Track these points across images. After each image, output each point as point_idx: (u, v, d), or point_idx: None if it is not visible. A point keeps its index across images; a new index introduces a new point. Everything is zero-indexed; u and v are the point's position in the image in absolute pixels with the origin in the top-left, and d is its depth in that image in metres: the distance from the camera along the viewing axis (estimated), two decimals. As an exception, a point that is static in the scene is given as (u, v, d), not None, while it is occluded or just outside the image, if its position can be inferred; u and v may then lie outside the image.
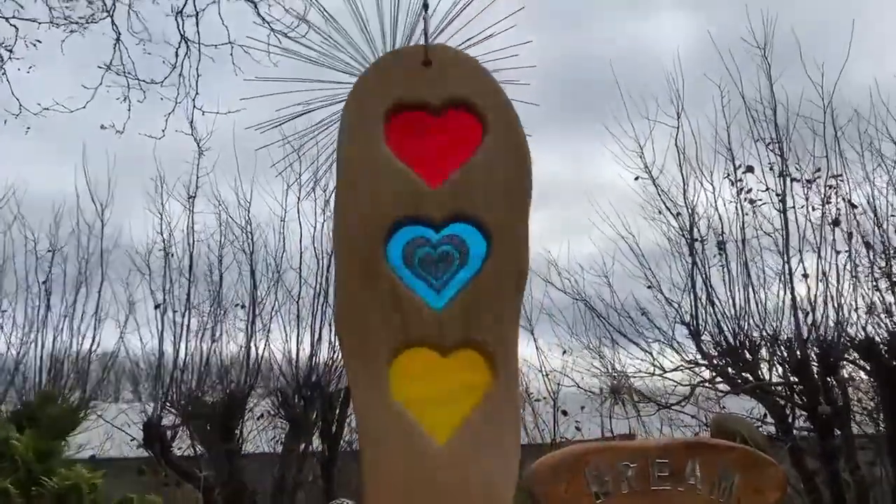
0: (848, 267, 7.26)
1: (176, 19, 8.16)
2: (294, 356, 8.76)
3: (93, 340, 8.98)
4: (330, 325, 8.69)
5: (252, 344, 8.80)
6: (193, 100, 8.26)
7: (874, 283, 7.24)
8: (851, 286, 7.21)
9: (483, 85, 2.08)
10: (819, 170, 7.28)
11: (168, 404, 8.63)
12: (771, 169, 7.42)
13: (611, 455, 4.01)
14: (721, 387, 7.91)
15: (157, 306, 8.68)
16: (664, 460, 3.89)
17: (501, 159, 2.00)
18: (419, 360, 1.84)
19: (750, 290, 7.53)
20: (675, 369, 7.81)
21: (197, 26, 8.18)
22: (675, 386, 7.91)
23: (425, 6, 2.28)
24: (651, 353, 7.88)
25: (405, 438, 1.68)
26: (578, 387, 8.20)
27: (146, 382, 9.44)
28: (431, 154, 2.01)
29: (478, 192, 1.94)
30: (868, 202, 7.25)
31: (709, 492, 3.84)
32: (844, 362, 7.46)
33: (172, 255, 8.80)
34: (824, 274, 7.23)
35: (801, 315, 7.14)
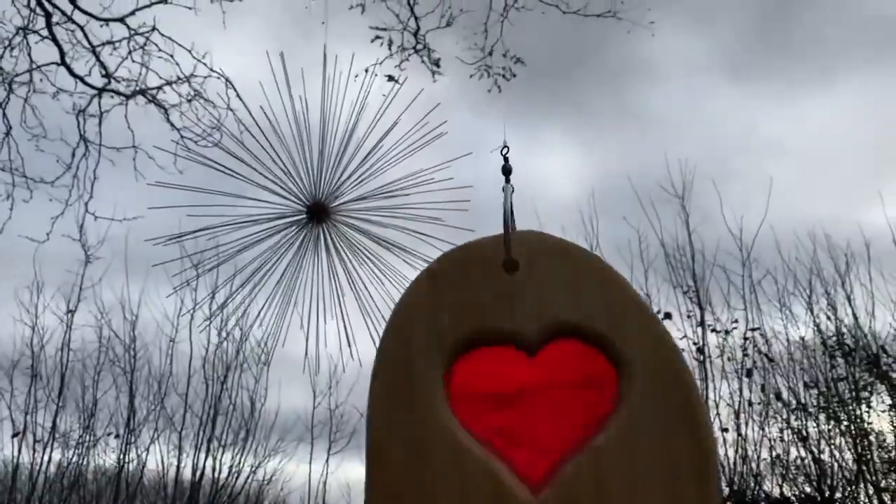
0: (759, 420, 7.15)
1: (77, 118, 7.65)
2: (171, 491, 7.84)
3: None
4: (214, 458, 7.87)
5: (122, 477, 7.82)
6: (86, 204, 7.64)
7: (787, 438, 7.15)
8: (766, 440, 7.08)
9: (617, 300, 1.23)
10: (736, 321, 7.27)
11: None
12: (689, 317, 7.36)
13: None
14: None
15: (14, 435, 7.63)
16: None
17: (651, 432, 1.13)
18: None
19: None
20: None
21: (99, 127, 7.69)
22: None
23: (507, 171, 1.36)
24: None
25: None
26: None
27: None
28: (529, 425, 1.17)
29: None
30: (781, 357, 7.25)
31: None
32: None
33: (41, 376, 7.84)
34: (739, 427, 7.08)
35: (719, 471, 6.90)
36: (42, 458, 7.63)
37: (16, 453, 7.62)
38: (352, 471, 8.73)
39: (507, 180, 1.33)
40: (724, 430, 7.00)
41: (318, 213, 3.18)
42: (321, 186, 3.14)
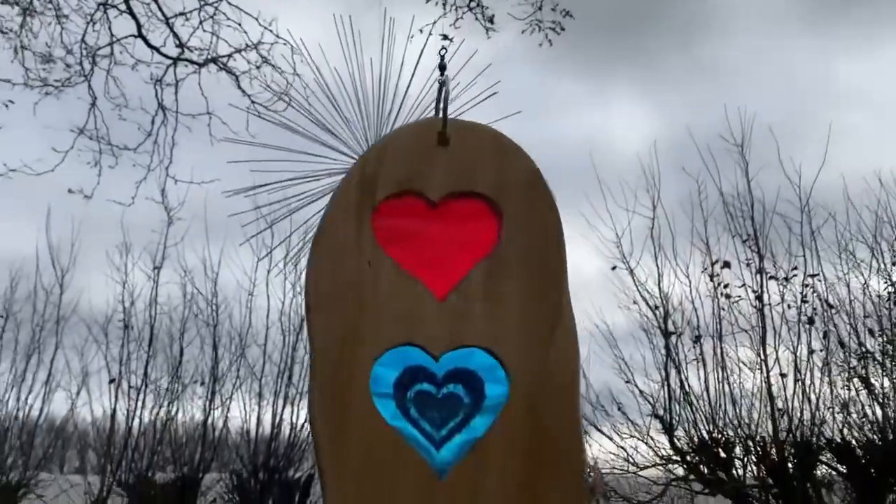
0: (822, 366, 7.17)
1: (155, 87, 8.07)
2: (253, 437, 8.36)
3: (41, 411, 8.50)
4: (293, 405, 8.34)
5: (209, 422, 8.38)
6: (167, 168, 8.11)
7: (849, 384, 7.15)
8: (827, 386, 7.10)
9: (502, 167, 1.70)
10: (795, 268, 7.25)
11: (116, 483, 8.13)
12: (748, 265, 7.38)
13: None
14: (695, 486, 7.65)
15: (111, 381, 8.26)
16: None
17: (523, 253, 1.59)
18: None
19: (725, 385, 7.38)
20: (648, 466, 7.55)
21: (176, 95, 8.10)
22: (651, 485, 7.64)
23: (442, 67, 1.90)
24: (625, 450, 7.63)
25: None
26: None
27: (95, 458, 8.91)
28: (435, 252, 1.61)
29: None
30: (842, 303, 7.22)
31: None
32: (820, 464, 7.28)
33: (132, 327, 8.43)
34: (800, 372, 7.12)
35: (776, 414, 6.98)
36: (136, 404, 8.27)
37: (113, 399, 8.29)
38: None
39: (442, 73, 1.86)
40: (783, 375, 7.06)
41: None
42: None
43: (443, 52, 1.83)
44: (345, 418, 1.36)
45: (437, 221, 1.68)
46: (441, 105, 1.71)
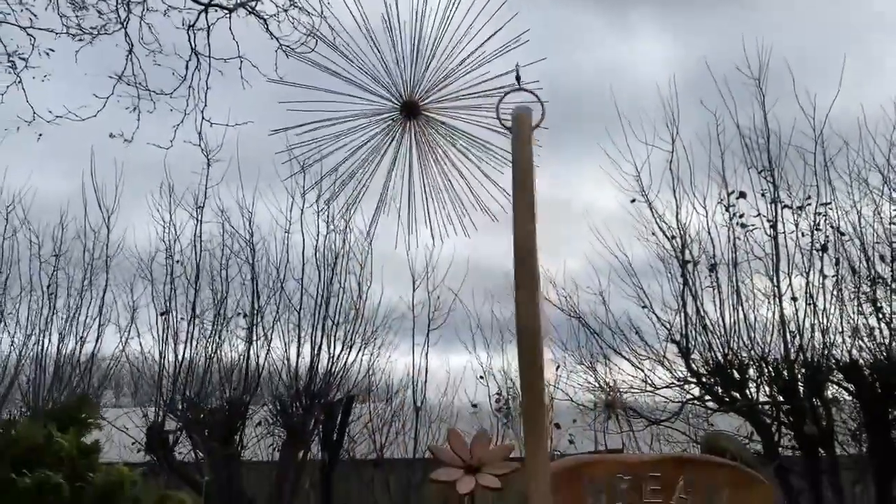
0: (834, 291, 7.42)
1: (187, 32, 8.28)
2: (293, 365, 8.84)
3: (95, 344, 9.06)
4: (330, 335, 8.79)
5: (252, 352, 8.87)
6: (202, 111, 8.38)
7: (859, 308, 7.40)
8: (837, 310, 7.36)
9: None
10: (809, 197, 7.44)
11: (168, 410, 8.69)
12: (763, 195, 7.58)
13: (605, 468, 4.12)
14: (710, 404, 8.02)
15: (162, 314, 8.76)
16: (656, 475, 4.01)
17: None
18: None
19: (739, 311, 7.67)
20: (665, 386, 7.92)
21: (208, 39, 8.31)
22: (667, 403, 8.03)
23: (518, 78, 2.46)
24: (643, 370, 8.00)
25: None
26: (572, 401, 8.31)
27: (147, 388, 9.47)
28: None
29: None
30: (854, 230, 7.41)
31: (699, 506, 3.96)
32: (829, 384, 7.59)
33: (179, 261, 8.89)
34: (812, 297, 7.38)
35: (788, 337, 7.28)
36: (186, 336, 8.80)
37: (163, 331, 8.81)
38: (448, 345, 9.55)
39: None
40: (794, 299, 7.33)
41: (410, 109, 3.57)
42: (413, 86, 3.49)
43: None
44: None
45: None
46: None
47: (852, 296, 7.38)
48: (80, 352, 9.13)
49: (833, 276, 7.46)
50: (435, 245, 8.32)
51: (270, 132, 3.42)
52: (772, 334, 7.41)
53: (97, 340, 9.07)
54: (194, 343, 8.80)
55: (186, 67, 8.49)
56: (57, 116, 8.15)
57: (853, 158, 7.42)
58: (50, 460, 2.11)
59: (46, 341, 9.01)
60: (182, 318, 8.78)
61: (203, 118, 8.50)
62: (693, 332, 7.83)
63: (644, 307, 8.00)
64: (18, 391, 8.80)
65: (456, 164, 3.25)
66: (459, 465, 3.14)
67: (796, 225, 7.47)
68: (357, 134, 3.45)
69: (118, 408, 10.38)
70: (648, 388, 7.92)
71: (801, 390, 7.29)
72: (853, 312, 7.41)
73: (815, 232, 7.34)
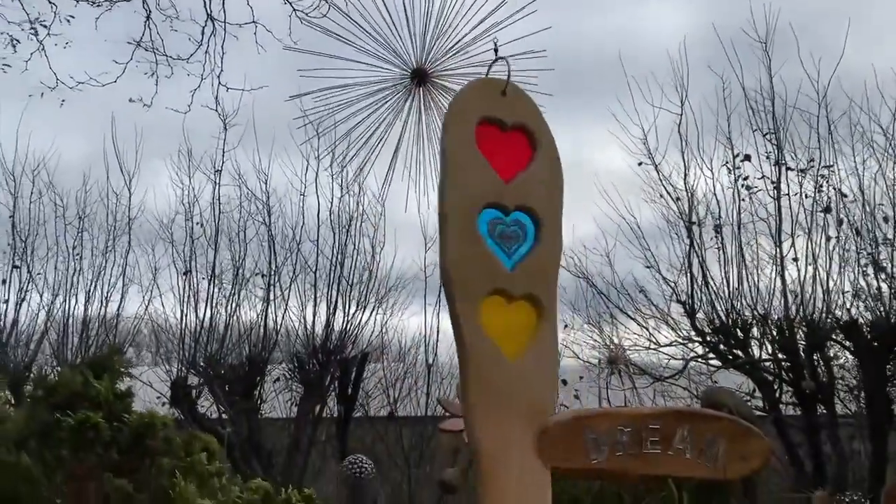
0: (837, 252, 7.51)
1: (202, -3, 8.33)
2: (310, 323, 9.05)
3: (119, 304, 9.30)
4: (344, 294, 8.98)
5: (270, 311, 9.09)
6: (218, 76, 8.48)
7: (862, 269, 7.49)
8: (839, 270, 7.46)
9: (536, 116, 2.77)
10: (813, 160, 7.49)
11: (190, 366, 8.94)
12: (767, 158, 7.64)
13: (606, 420, 4.27)
14: (713, 362, 8.18)
15: (185, 273, 8.97)
16: (656, 426, 4.15)
17: (547, 169, 2.72)
18: (494, 304, 2.49)
19: (743, 271, 7.78)
20: (669, 344, 8.08)
21: (223, 5, 8.36)
22: (669, 359, 8.20)
23: (495, 50, 2.73)
24: (647, 329, 8.15)
25: (493, 355, 2.37)
26: (578, 358, 8.50)
27: (169, 346, 9.72)
28: (503, 159, 2.69)
29: (533, 191, 2.67)
30: (858, 190, 7.48)
31: (696, 457, 4.08)
32: (830, 342, 7.72)
33: (199, 223, 9.07)
34: (814, 258, 7.48)
35: (790, 296, 7.40)
36: (206, 296, 9.02)
37: (184, 290, 9.05)
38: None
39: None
40: (795, 259, 7.43)
41: (420, 76, 3.66)
42: (423, 54, 3.57)
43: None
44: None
45: (505, 143, 2.70)
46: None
47: (854, 256, 7.47)
48: (106, 311, 9.38)
49: (836, 238, 7.54)
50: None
51: (286, 98, 3.52)
52: (773, 294, 7.54)
53: (121, 300, 9.32)
54: (214, 303, 9.02)
55: (202, 33, 8.55)
56: (79, 83, 8.27)
57: (858, 118, 7.44)
58: (88, 404, 2.29)
59: (73, 301, 9.25)
60: (203, 278, 8.99)
61: (219, 83, 8.60)
62: (698, 292, 7.96)
63: (649, 268, 8.13)
64: (48, 347, 9.07)
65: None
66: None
67: (800, 186, 7.54)
68: (369, 100, 3.56)
69: (140, 367, 10.67)
70: (653, 346, 8.09)
71: (801, 348, 7.42)
72: (855, 273, 7.51)
73: (818, 193, 7.41)
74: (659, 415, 4.33)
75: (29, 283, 9.29)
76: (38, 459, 2.19)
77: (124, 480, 2.24)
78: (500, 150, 2.73)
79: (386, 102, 3.62)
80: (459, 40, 3.49)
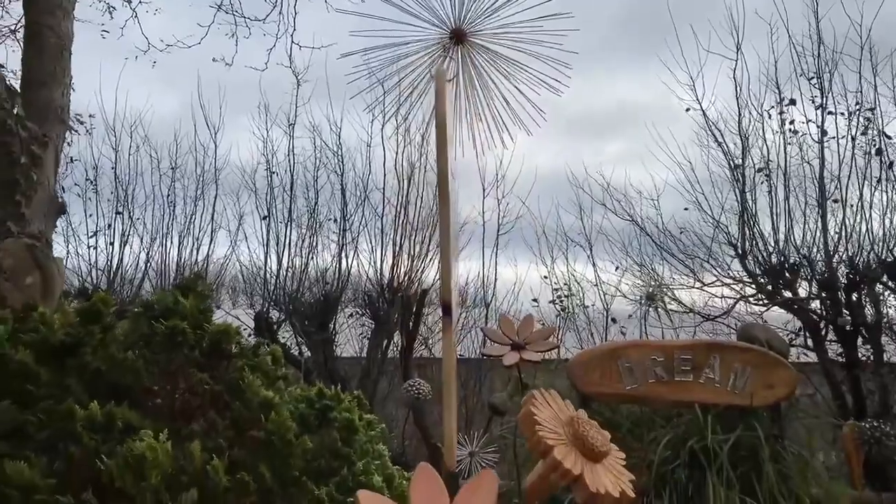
0: (885, 193, 7.48)
1: (277, -41, 8.70)
2: (378, 265, 9.57)
3: (209, 247, 10.01)
4: (409, 238, 9.43)
5: (343, 254, 9.64)
6: (291, 36, 8.91)
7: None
8: (886, 213, 7.44)
9: None
10: (859, 103, 7.42)
11: (273, 302, 9.60)
12: (812, 102, 7.61)
13: (639, 350, 4.52)
14: (759, 304, 8.29)
15: (263, 217, 9.60)
16: (687, 356, 4.39)
17: None
18: None
19: (793, 215, 7.83)
20: (713, 283, 8.22)
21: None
22: (710, 297, 8.34)
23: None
24: (693, 270, 8.30)
25: None
26: (625, 297, 8.74)
27: (253, 284, 10.39)
28: None
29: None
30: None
31: (725, 385, 4.31)
32: (875, 282, 7.72)
33: (276, 173, 9.64)
34: (861, 198, 7.48)
35: (832, 236, 7.44)
36: (285, 239, 9.62)
37: (265, 235, 9.68)
38: (516, 247, 10.03)
39: None
40: (836, 201, 7.43)
41: (458, 36, 3.90)
42: (461, 15, 3.81)
43: None
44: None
45: None
46: None
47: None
48: (197, 254, 10.09)
49: (886, 180, 7.49)
50: (503, 154, 8.73)
51: (338, 57, 3.84)
52: (815, 235, 7.58)
53: (210, 243, 10.02)
54: (292, 246, 9.61)
55: (277, -7, 8.94)
56: (167, 45, 8.87)
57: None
58: (177, 317, 2.78)
59: (168, 243, 9.99)
60: (281, 222, 9.60)
61: (293, 42, 9.04)
62: (749, 233, 8.05)
63: (699, 209, 8.24)
64: (149, 283, 9.85)
65: (498, 86, 3.62)
66: (507, 343, 3.64)
67: (848, 130, 7.49)
68: (412, 57, 3.84)
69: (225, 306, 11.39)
70: (697, 285, 8.25)
71: (842, 286, 7.48)
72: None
73: (862, 137, 7.36)
74: (690, 346, 4.60)
75: (130, 227, 10.05)
76: (140, 357, 2.76)
77: (206, 375, 2.79)
78: None
79: (427, 61, 3.94)
80: (495, 1, 3.77)
